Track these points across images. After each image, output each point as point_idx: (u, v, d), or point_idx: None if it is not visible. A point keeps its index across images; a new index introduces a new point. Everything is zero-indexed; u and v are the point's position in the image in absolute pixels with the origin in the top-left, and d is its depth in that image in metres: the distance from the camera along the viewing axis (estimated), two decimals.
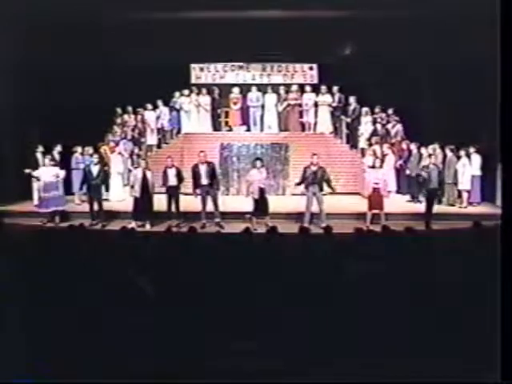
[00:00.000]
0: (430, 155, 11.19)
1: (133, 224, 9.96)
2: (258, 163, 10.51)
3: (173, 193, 10.47)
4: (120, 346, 4.00)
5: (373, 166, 11.07)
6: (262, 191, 10.29)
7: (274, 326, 4.28)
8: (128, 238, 6.88)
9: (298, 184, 10.54)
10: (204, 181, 10.36)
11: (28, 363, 3.80)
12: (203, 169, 10.41)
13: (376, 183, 10.44)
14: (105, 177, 10.82)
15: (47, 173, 10.76)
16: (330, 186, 10.48)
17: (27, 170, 11.26)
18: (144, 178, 10.38)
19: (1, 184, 11.75)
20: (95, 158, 10.95)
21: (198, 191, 10.47)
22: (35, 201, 11.68)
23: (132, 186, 10.63)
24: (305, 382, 3.80)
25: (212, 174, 10.52)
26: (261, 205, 10.22)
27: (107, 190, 10.92)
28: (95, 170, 10.66)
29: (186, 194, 10.95)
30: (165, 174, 10.54)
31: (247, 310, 4.41)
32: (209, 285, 4.77)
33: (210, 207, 10.52)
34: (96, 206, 10.65)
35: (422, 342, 4.07)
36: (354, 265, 5.34)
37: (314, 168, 10.31)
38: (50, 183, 10.67)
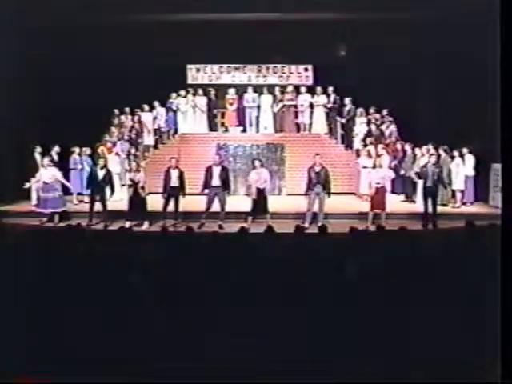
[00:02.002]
0: (431, 155, 11.22)
1: (127, 224, 10.00)
2: (257, 163, 10.61)
3: (173, 193, 10.49)
4: (119, 345, 4.02)
5: (374, 166, 11.17)
6: (260, 191, 10.37)
7: (268, 325, 4.28)
8: (125, 238, 6.95)
9: (308, 184, 10.44)
10: (215, 182, 10.41)
11: (28, 363, 3.79)
12: (216, 171, 10.47)
13: (378, 183, 10.50)
14: (110, 180, 10.81)
15: (46, 174, 10.81)
16: (328, 187, 10.50)
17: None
18: (136, 177, 10.47)
19: (0, 184, 11.81)
20: (101, 162, 10.95)
21: (206, 191, 10.51)
22: (33, 201, 11.76)
23: (129, 186, 10.68)
24: (305, 382, 3.81)
25: (225, 177, 10.54)
26: (260, 205, 10.29)
27: (112, 193, 10.92)
28: (101, 174, 10.67)
29: (190, 195, 10.99)
30: (167, 174, 10.56)
31: (240, 310, 4.42)
32: (201, 284, 4.80)
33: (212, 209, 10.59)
34: (99, 207, 10.67)
35: (420, 342, 4.07)
36: (348, 264, 5.36)
37: (317, 168, 10.39)
38: (49, 184, 10.72)
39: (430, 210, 10.50)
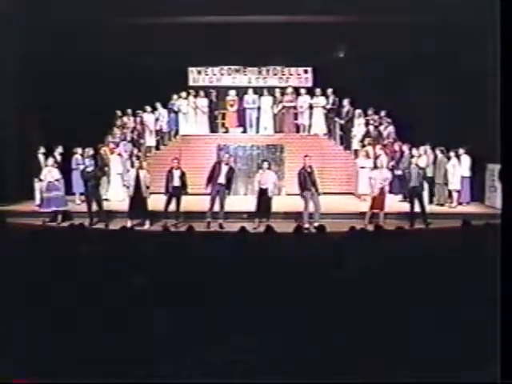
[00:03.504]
0: (412, 156, 11.44)
1: (129, 223, 10.09)
2: (265, 165, 10.78)
3: (175, 193, 10.60)
4: (120, 345, 4.02)
5: (375, 167, 11.31)
6: (262, 192, 10.53)
7: (269, 325, 4.27)
8: (127, 237, 7.05)
9: (300, 186, 10.53)
10: (221, 179, 10.52)
11: (28, 363, 3.77)
12: (224, 169, 10.60)
13: (381, 183, 10.63)
14: (101, 177, 10.97)
15: (50, 173, 11.00)
16: (317, 186, 10.60)
17: (37, 183, 11.55)
18: (137, 177, 10.59)
19: (3, 184, 11.97)
20: (90, 159, 11.17)
21: (209, 189, 10.62)
22: (37, 201, 11.94)
23: (128, 186, 10.82)
24: (305, 381, 3.77)
25: (230, 176, 10.69)
26: (264, 205, 10.46)
27: (98, 186, 11.09)
28: (90, 170, 10.83)
29: (191, 195, 11.10)
30: (170, 174, 10.68)
31: (236, 310, 4.41)
32: (201, 283, 4.81)
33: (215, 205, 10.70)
34: (95, 207, 10.78)
35: (420, 342, 4.01)
36: (347, 263, 5.41)
37: (309, 169, 10.49)
38: (51, 184, 10.90)
39: (418, 209, 10.66)
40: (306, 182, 10.42)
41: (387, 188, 12.53)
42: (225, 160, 10.87)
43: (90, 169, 10.88)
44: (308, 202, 10.50)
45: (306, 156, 10.70)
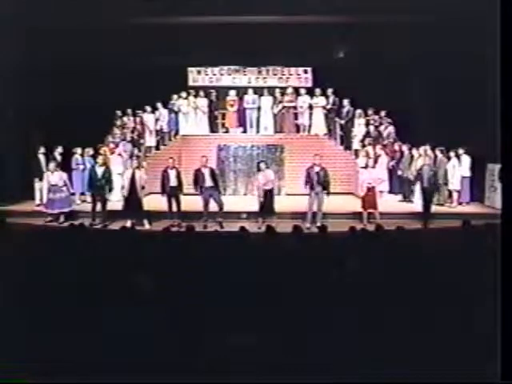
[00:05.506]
0: (426, 156, 11.47)
1: (128, 223, 10.02)
2: (263, 165, 10.73)
3: (173, 193, 10.59)
4: (120, 345, 4.01)
5: (366, 167, 11.35)
6: (267, 193, 10.50)
7: (269, 324, 4.28)
8: (127, 237, 7.07)
9: (306, 184, 10.51)
10: (208, 183, 10.51)
11: (29, 362, 3.77)
12: (207, 172, 10.56)
13: (369, 183, 10.69)
14: (109, 178, 10.96)
15: (52, 177, 11.01)
16: (327, 187, 10.56)
17: (37, 183, 11.73)
18: (133, 177, 10.56)
19: (3, 184, 11.97)
20: (100, 160, 11.15)
21: (199, 191, 10.60)
22: (37, 200, 11.95)
23: (123, 186, 10.80)
24: (304, 382, 3.78)
25: (215, 177, 10.68)
26: (267, 206, 10.44)
27: (110, 190, 11.12)
28: (100, 171, 10.83)
29: (187, 195, 11.07)
30: (165, 174, 10.64)
31: (239, 309, 4.42)
32: (202, 282, 4.85)
33: (210, 208, 10.69)
34: (99, 207, 10.79)
35: (420, 341, 4.02)
36: (348, 262, 5.44)
37: (317, 168, 10.44)
38: (55, 186, 10.93)
39: (428, 209, 10.69)
40: (312, 181, 10.40)
41: (385, 188, 12.60)
42: (202, 163, 10.70)
43: (101, 170, 10.86)
44: (312, 201, 10.48)
45: (316, 155, 10.64)
